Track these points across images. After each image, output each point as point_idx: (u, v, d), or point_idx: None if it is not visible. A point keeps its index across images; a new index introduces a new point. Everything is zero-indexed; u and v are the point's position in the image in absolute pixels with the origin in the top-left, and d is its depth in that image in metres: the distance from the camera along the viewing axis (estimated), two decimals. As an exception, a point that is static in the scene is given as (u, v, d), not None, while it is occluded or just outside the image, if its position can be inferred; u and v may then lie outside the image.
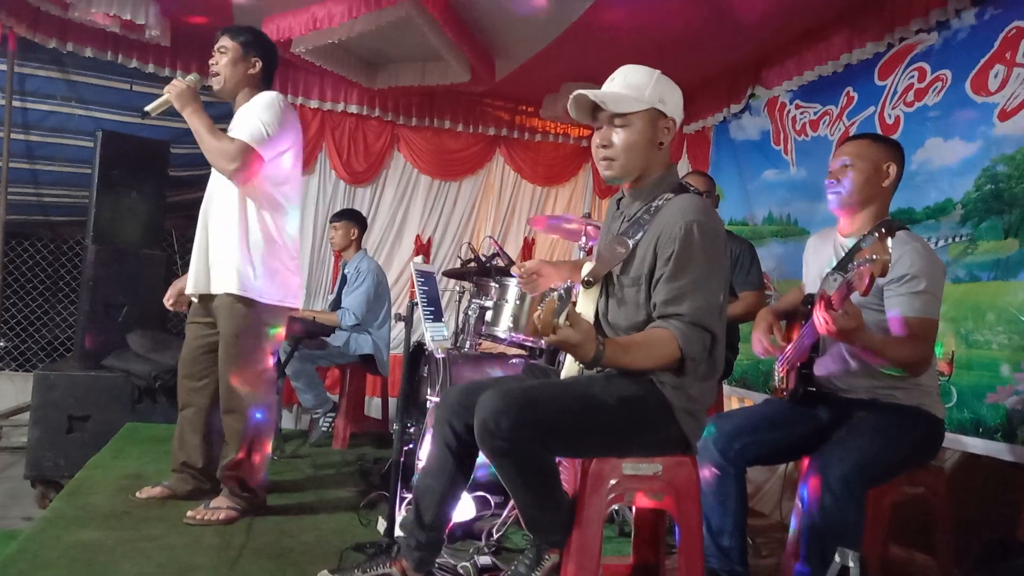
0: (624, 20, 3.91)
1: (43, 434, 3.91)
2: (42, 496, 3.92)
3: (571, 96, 1.87)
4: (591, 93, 1.84)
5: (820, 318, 1.95)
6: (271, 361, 2.75)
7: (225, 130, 2.60)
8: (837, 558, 1.65)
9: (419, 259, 2.78)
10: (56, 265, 5.59)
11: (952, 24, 3.15)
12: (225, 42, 2.69)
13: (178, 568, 2.19)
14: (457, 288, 4.36)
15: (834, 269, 2.22)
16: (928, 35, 3.27)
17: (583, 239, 3.51)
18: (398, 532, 2.23)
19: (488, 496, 2.87)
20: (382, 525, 2.53)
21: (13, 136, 4.52)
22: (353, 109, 5.41)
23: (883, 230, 1.81)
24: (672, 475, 1.85)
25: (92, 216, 4.30)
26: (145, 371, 4.10)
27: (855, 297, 1.89)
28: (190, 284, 2.71)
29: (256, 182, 2.61)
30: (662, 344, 1.73)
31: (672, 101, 1.88)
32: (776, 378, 2.43)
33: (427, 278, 2.62)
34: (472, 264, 3.66)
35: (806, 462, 2.07)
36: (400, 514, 2.36)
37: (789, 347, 2.34)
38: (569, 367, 1.94)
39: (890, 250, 1.74)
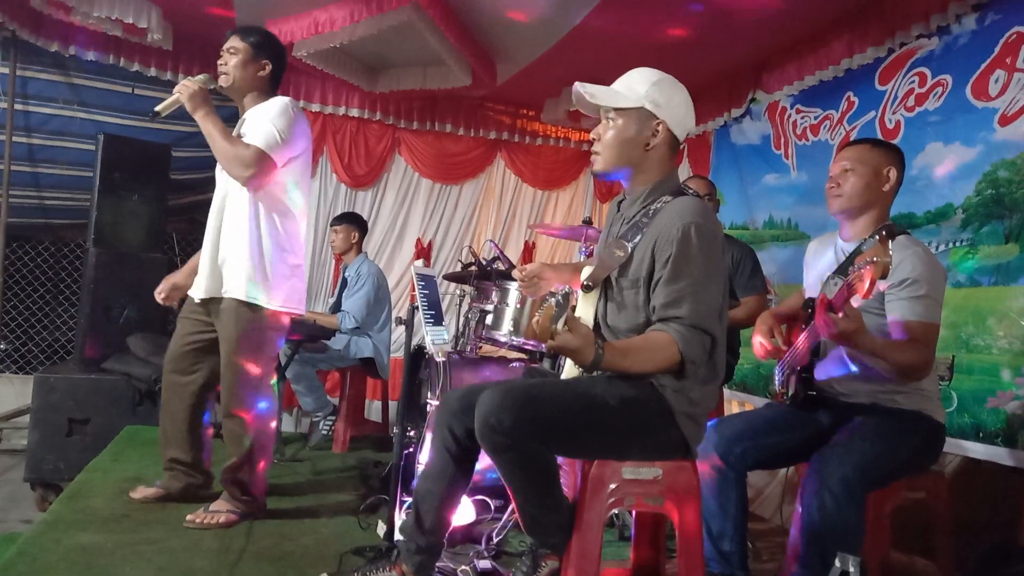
0: (625, 24, 3.92)
1: (43, 437, 3.91)
2: (42, 499, 3.92)
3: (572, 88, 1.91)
4: (580, 85, 1.88)
5: (821, 321, 1.95)
6: (273, 364, 2.76)
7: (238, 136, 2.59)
8: (837, 563, 1.65)
9: (419, 263, 2.78)
10: (57, 268, 5.60)
11: (953, 29, 3.15)
12: (235, 42, 2.66)
13: (178, 571, 2.19)
14: (458, 292, 4.36)
15: (835, 273, 2.22)
16: (929, 40, 3.27)
17: (584, 242, 3.52)
18: (398, 536, 2.23)
19: (488, 500, 2.87)
20: (382, 529, 2.53)
21: (15, 139, 4.52)
22: (354, 113, 5.42)
23: (883, 234, 1.81)
24: (672, 479, 1.84)
25: (93, 219, 4.31)
26: (145, 374, 4.10)
27: (856, 302, 1.90)
28: (197, 288, 2.70)
29: (268, 188, 2.61)
30: (661, 347, 1.73)
31: (668, 105, 1.87)
32: (776, 382, 2.43)
33: (427, 281, 2.62)
34: (473, 268, 3.66)
35: (806, 466, 2.07)
36: (400, 518, 2.36)
37: (789, 351, 2.34)
38: (569, 370, 1.94)
39: (891, 253, 1.74)
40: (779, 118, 4.29)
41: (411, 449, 3.07)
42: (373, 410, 5.14)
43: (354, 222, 4.51)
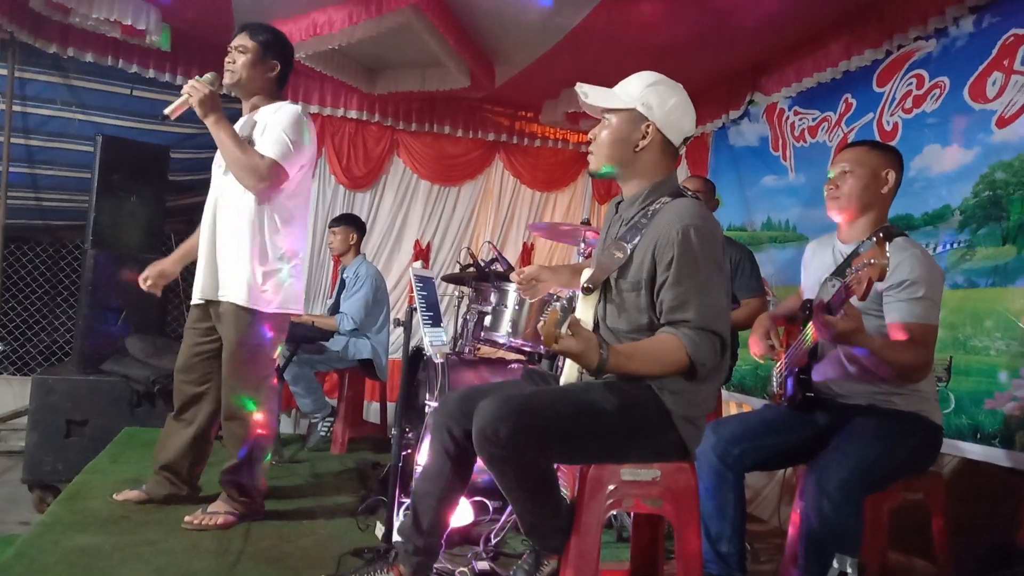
0: (623, 26, 3.92)
1: (41, 438, 3.90)
2: (40, 500, 3.92)
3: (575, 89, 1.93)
4: (579, 86, 1.90)
5: (818, 324, 1.96)
6: (273, 366, 2.76)
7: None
8: (835, 564, 1.65)
9: (418, 264, 2.78)
10: (55, 269, 5.59)
11: (950, 31, 3.16)
12: (244, 41, 2.64)
13: (176, 573, 2.19)
14: (456, 293, 4.36)
15: (832, 275, 2.23)
16: (926, 42, 3.28)
17: (582, 244, 3.52)
18: (396, 537, 2.23)
19: (486, 501, 2.87)
20: (380, 530, 2.53)
21: (13, 140, 4.52)
22: (353, 114, 5.42)
23: (881, 236, 1.82)
24: (671, 481, 1.84)
25: (92, 220, 4.31)
26: (144, 375, 4.10)
27: (854, 303, 1.90)
28: (196, 292, 2.70)
29: (271, 193, 2.61)
30: (668, 350, 1.73)
31: (662, 108, 1.87)
32: (774, 384, 2.43)
33: (426, 283, 2.62)
34: (471, 269, 3.67)
35: (804, 468, 2.07)
36: (398, 519, 2.36)
37: (787, 352, 2.35)
38: (568, 373, 1.94)
39: (888, 254, 1.75)
40: (777, 120, 4.30)
41: (409, 450, 3.07)
42: (371, 411, 5.14)
43: (352, 224, 4.51)
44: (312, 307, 5.38)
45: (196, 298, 2.71)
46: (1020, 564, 2.25)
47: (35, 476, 3.90)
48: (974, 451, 2.81)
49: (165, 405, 4.08)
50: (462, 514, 2.62)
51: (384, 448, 4.24)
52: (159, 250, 4.68)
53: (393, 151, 5.65)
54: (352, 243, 4.46)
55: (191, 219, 5.49)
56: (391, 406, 4.74)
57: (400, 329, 2.52)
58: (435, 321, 2.54)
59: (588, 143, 1.98)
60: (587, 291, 1.91)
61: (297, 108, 2.64)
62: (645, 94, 1.87)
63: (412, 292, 2.52)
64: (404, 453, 2.80)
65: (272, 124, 2.58)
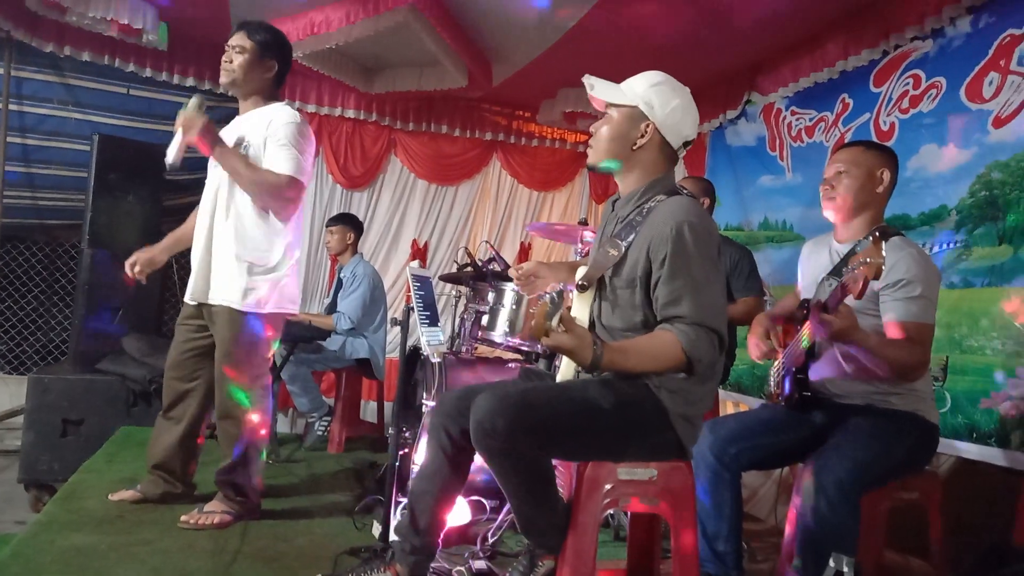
0: (620, 26, 3.93)
1: (37, 437, 3.90)
2: (36, 500, 3.91)
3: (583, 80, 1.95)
4: (586, 78, 1.92)
5: (815, 323, 1.96)
6: (267, 366, 2.75)
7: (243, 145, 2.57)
8: (832, 563, 1.65)
9: (415, 263, 2.78)
10: (52, 269, 5.58)
11: (947, 32, 3.17)
12: (242, 40, 2.62)
13: (172, 572, 2.18)
14: (453, 293, 4.36)
15: (829, 274, 2.23)
16: (923, 42, 3.28)
17: (579, 244, 3.52)
18: (393, 537, 2.22)
19: (483, 501, 2.87)
20: (377, 529, 2.53)
21: (9, 139, 4.51)
22: (350, 114, 5.42)
23: (877, 235, 1.82)
24: (667, 480, 1.85)
25: (88, 220, 4.30)
26: (140, 375, 4.09)
27: (851, 302, 1.90)
28: (190, 292, 2.69)
29: (295, 207, 2.64)
30: (664, 347, 1.73)
31: (663, 108, 1.87)
32: (772, 383, 2.44)
33: (423, 282, 2.62)
34: (468, 269, 3.67)
35: (801, 467, 2.08)
36: (395, 519, 2.36)
37: (784, 352, 2.35)
38: (565, 370, 1.94)
39: (884, 253, 1.75)
40: (774, 120, 4.30)
41: (406, 450, 3.07)
42: (369, 411, 5.13)
43: (350, 223, 4.51)
44: (309, 306, 5.38)
45: (189, 298, 2.70)
46: (1016, 563, 2.26)
47: (31, 475, 3.89)
48: (970, 450, 2.81)
49: (161, 405, 4.08)
50: (459, 513, 2.62)
51: (381, 447, 4.24)
52: (156, 249, 4.68)
53: (390, 150, 5.65)
54: (349, 242, 4.45)
55: (188, 218, 5.47)
56: (388, 405, 4.73)
57: (397, 328, 2.52)
58: (432, 320, 2.54)
59: (586, 143, 1.99)
60: (582, 288, 1.91)
61: (296, 116, 2.62)
62: (648, 93, 1.87)
63: (409, 291, 2.52)
64: (401, 452, 2.80)
65: (276, 138, 2.56)
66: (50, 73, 4.54)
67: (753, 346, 2.42)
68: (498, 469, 1.72)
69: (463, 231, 5.86)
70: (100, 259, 4.28)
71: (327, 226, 4.58)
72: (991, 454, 2.74)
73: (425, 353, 3.03)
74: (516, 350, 3.30)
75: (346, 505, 3.00)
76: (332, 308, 4.40)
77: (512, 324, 3.17)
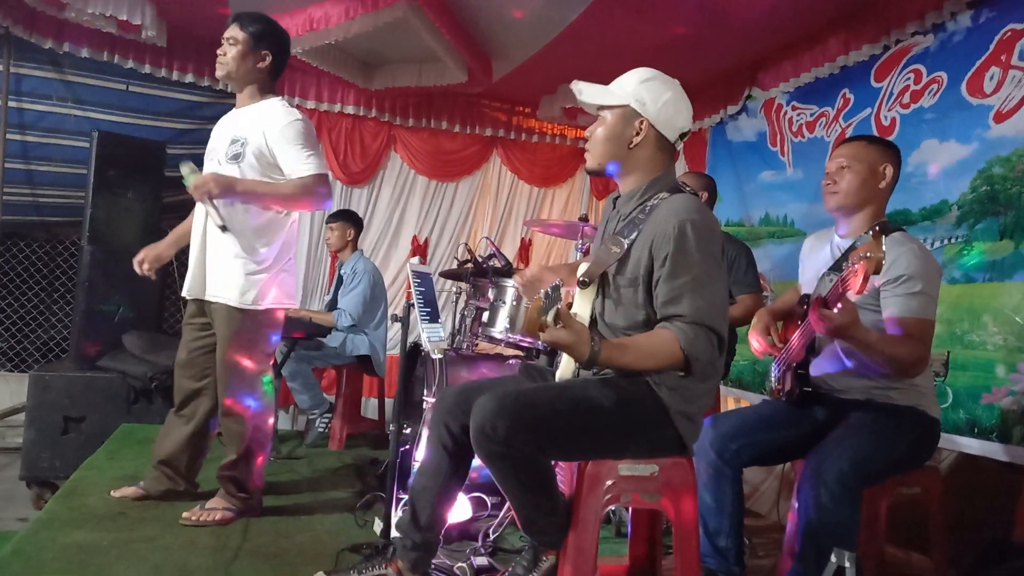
0: (621, 22, 3.91)
1: (38, 435, 3.90)
2: (37, 497, 3.92)
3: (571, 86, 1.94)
4: (575, 83, 1.91)
5: (815, 318, 1.96)
6: (268, 362, 2.75)
7: (242, 156, 2.59)
8: (833, 558, 1.65)
9: (415, 260, 2.78)
10: (52, 266, 5.58)
11: (948, 26, 3.16)
12: (234, 32, 2.62)
13: (174, 569, 2.18)
14: (454, 289, 4.36)
15: (830, 270, 2.23)
16: (924, 37, 3.27)
17: (580, 240, 3.52)
18: (394, 533, 2.23)
19: (485, 497, 2.88)
20: (378, 526, 2.53)
21: (9, 136, 4.51)
22: (350, 110, 5.40)
23: (877, 230, 1.82)
24: (668, 476, 1.84)
25: (88, 217, 4.30)
26: (141, 372, 4.09)
27: (851, 297, 1.90)
28: (188, 287, 2.69)
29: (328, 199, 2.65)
30: (662, 345, 1.72)
31: (655, 103, 1.86)
32: (772, 379, 2.43)
33: (423, 279, 2.62)
34: (469, 265, 3.66)
35: (802, 463, 2.08)
36: (396, 515, 2.36)
37: (785, 347, 2.35)
38: (564, 367, 1.94)
39: (884, 248, 1.74)
40: (775, 115, 4.29)
41: (407, 446, 3.07)
42: (369, 407, 5.14)
43: (349, 219, 4.51)
44: (310, 303, 5.38)
45: (186, 293, 2.70)
46: (1017, 558, 2.26)
47: (33, 473, 3.90)
48: (971, 446, 2.81)
49: (163, 401, 4.08)
50: (460, 510, 2.62)
51: (382, 444, 4.25)
52: (156, 246, 4.68)
53: (390, 147, 5.64)
54: (349, 239, 4.45)
55: (187, 215, 5.46)
56: (389, 402, 4.74)
57: (398, 325, 2.52)
58: (433, 317, 2.54)
59: (586, 139, 1.98)
60: (583, 285, 1.91)
61: (296, 113, 2.62)
62: (638, 90, 1.87)
63: (410, 288, 2.52)
64: (402, 449, 2.80)
65: (287, 141, 2.56)
66: (49, 69, 4.53)
67: (755, 342, 2.42)
68: (498, 472, 1.72)
69: (463, 227, 5.86)
70: (100, 256, 4.27)
71: (327, 223, 4.58)
72: (992, 449, 2.74)
73: (426, 349, 3.03)
74: (517, 346, 3.29)
75: (347, 502, 3.01)
76: (333, 305, 4.40)
77: (512, 320, 3.17)
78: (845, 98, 3.74)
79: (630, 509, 2.32)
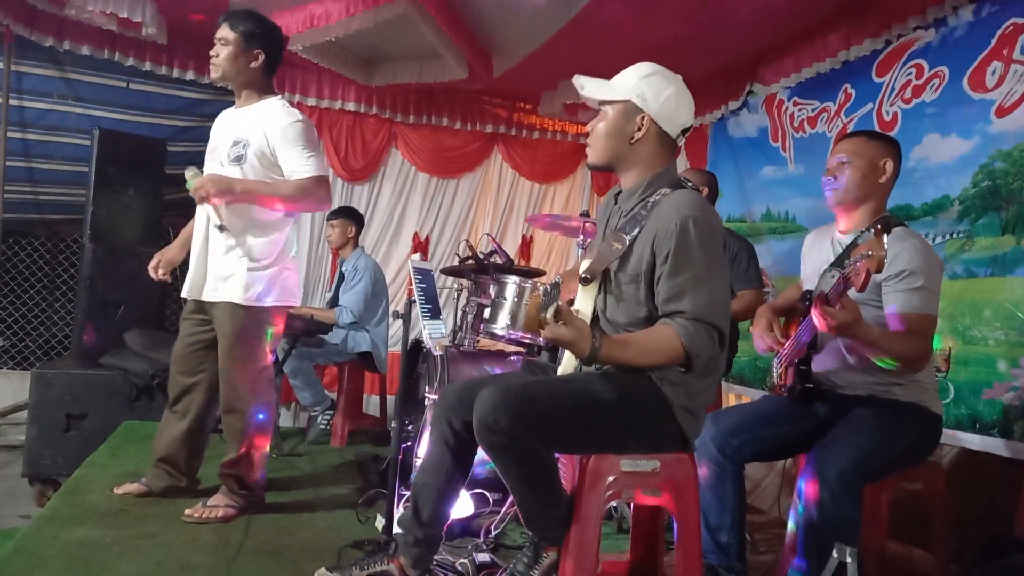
0: (622, 17, 3.91)
1: (41, 432, 3.91)
2: (40, 494, 3.92)
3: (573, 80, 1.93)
4: (577, 78, 1.91)
5: (817, 315, 1.95)
6: (270, 359, 2.75)
7: (244, 157, 2.59)
8: (835, 553, 1.65)
9: (417, 256, 2.78)
10: (53, 263, 5.59)
11: (949, 21, 3.15)
12: (225, 32, 2.60)
13: (176, 566, 2.19)
14: (455, 286, 4.36)
15: (831, 266, 2.23)
16: (926, 32, 3.26)
17: (581, 236, 3.51)
18: (396, 529, 2.23)
19: (487, 493, 2.87)
20: (380, 522, 2.53)
21: (10, 134, 4.51)
22: (350, 107, 5.40)
23: (879, 226, 1.81)
24: (670, 472, 1.85)
25: (89, 214, 4.30)
26: (143, 369, 4.09)
27: (853, 294, 1.90)
28: (189, 288, 2.69)
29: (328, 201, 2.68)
30: (663, 341, 1.73)
31: (657, 99, 1.85)
32: (774, 375, 2.43)
33: (425, 275, 2.62)
34: (470, 261, 3.66)
35: (804, 458, 2.08)
36: (398, 511, 2.36)
37: (787, 344, 2.34)
38: (566, 363, 1.94)
39: (886, 246, 1.74)
40: (776, 111, 4.29)
41: (409, 443, 3.07)
42: (371, 404, 5.14)
43: (351, 216, 4.51)
44: (311, 300, 5.38)
45: (187, 294, 2.70)
46: (1018, 554, 2.26)
47: (35, 470, 3.91)
48: (973, 441, 2.81)
49: (164, 399, 4.07)
50: (462, 506, 2.62)
51: (384, 441, 4.25)
52: (157, 243, 4.66)
53: (391, 143, 5.64)
54: (350, 236, 4.45)
55: (189, 213, 5.44)
56: (391, 399, 4.74)
57: (399, 322, 2.52)
58: (434, 314, 2.54)
59: (587, 135, 1.97)
60: (585, 282, 1.91)
61: (296, 113, 2.62)
62: (640, 85, 1.86)
63: (411, 285, 2.52)
64: (404, 446, 2.80)
65: (287, 141, 2.56)
66: (50, 67, 4.53)
67: (757, 339, 2.42)
68: (501, 464, 1.72)
69: (464, 224, 5.85)
70: (101, 254, 4.27)
71: (328, 220, 4.58)
72: (994, 445, 2.73)
73: (427, 346, 3.03)
74: (518, 343, 3.29)
75: (349, 498, 3.01)
76: (334, 302, 4.40)
77: (514, 317, 3.17)
78: (846, 93, 3.73)
79: (632, 505, 2.32)
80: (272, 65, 2.69)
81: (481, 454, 1.84)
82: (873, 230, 1.81)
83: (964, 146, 3.02)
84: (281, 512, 2.77)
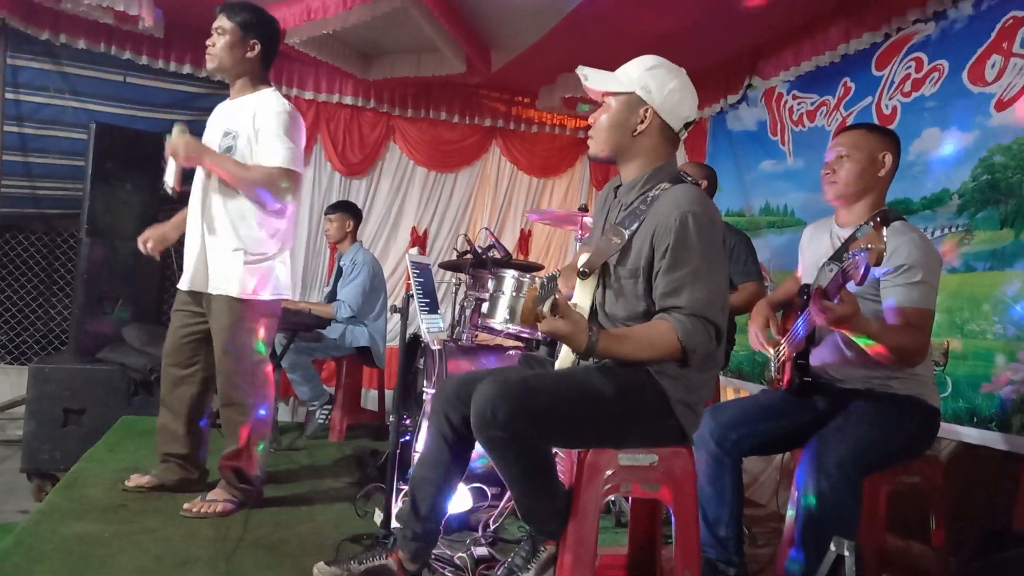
0: (620, 10, 3.89)
1: (39, 427, 3.91)
2: (38, 489, 3.93)
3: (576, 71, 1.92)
4: (581, 68, 1.90)
5: (816, 309, 1.95)
6: (268, 353, 2.75)
7: (234, 148, 2.57)
8: (833, 547, 1.65)
9: (415, 251, 2.77)
10: (50, 258, 5.57)
11: (949, 14, 3.14)
12: (222, 22, 2.60)
13: (175, 560, 2.19)
14: (453, 280, 4.35)
15: (830, 259, 2.22)
16: (925, 25, 3.26)
17: (579, 231, 3.50)
18: (394, 523, 2.23)
19: (485, 487, 2.88)
20: (378, 517, 2.53)
21: (6, 128, 4.49)
22: (348, 100, 5.38)
23: (878, 220, 1.81)
24: (668, 466, 1.85)
25: (86, 209, 4.29)
26: (141, 364, 4.09)
27: (852, 288, 1.90)
28: (185, 280, 2.69)
29: (295, 197, 2.64)
30: (660, 335, 1.72)
31: (660, 91, 1.84)
32: (772, 368, 2.43)
33: (423, 270, 2.61)
34: (468, 256, 3.66)
35: (802, 452, 2.08)
36: (396, 506, 2.36)
37: (785, 338, 2.34)
38: (564, 357, 1.94)
39: (885, 239, 1.74)
40: (775, 104, 4.28)
41: (407, 437, 3.07)
42: (369, 399, 5.13)
43: (348, 211, 4.50)
44: (309, 295, 5.37)
45: (184, 286, 2.69)
46: (1017, 547, 2.26)
47: (33, 465, 3.91)
48: (971, 435, 2.81)
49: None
50: (460, 500, 2.62)
51: (382, 435, 4.25)
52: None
53: (389, 137, 5.62)
54: (348, 230, 4.44)
55: (186, 206, 5.46)
56: (389, 393, 4.74)
57: (397, 316, 2.52)
58: (432, 308, 2.54)
59: (586, 128, 1.97)
60: (583, 276, 1.91)
61: (286, 105, 2.61)
62: (644, 78, 1.85)
63: (409, 279, 2.51)
64: (402, 440, 2.80)
65: (268, 129, 2.55)
66: (46, 61, 4.51)
67: (753, 336, 2.42)
68: (499, 458, 1.72)
69: (463, 218, 5.85)
70: (99, 248, 4.26)
71: (326, 214, 4.57)
72: (992, 438, 2.74)
73: (425, 341, 3.03)
74: (516, 337, 3.29)
75: (348, 493, 3.01)
76: (332, 296, 4.40)
77: (512, 311, 3.16)
78: (846, 87, 3.72)
79: (630, 499, 2.32)
80: (268, 56, 2.68)
81: (479, 448, 1.84)
82: (872, 224, 1.81)
83: (964, 140, 3.02)
84: (280, 506, 2.77)
